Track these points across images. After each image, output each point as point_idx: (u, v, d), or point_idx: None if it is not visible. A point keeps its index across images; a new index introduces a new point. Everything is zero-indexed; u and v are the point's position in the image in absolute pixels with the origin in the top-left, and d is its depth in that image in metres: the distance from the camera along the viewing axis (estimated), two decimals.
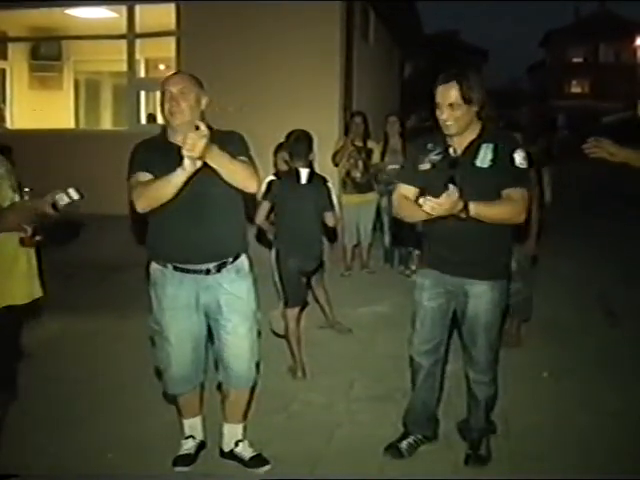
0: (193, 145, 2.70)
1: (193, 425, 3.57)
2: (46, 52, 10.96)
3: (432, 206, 2.90)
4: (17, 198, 2.99)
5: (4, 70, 10.34)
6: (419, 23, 14.93)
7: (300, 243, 4.63)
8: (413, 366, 3.62)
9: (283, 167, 5.10)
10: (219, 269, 3.23)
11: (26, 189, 2.92)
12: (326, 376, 4.64)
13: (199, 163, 2.80)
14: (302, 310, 4.89)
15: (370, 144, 7.48)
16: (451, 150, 3.27)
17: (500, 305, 3.38)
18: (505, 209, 3.13)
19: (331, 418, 4.06)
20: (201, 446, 3.57)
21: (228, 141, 3.09)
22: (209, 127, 2.80)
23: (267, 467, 3.47)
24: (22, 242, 2.94)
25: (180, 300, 3.23)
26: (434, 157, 3.30)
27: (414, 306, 3.53)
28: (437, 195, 2.95)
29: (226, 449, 3.55)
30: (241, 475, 3.46)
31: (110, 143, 8.74)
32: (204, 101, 3.20)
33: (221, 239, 3.21)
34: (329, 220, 4.85)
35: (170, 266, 3.22)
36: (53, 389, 4.36)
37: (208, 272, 3.22)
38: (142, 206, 3.02)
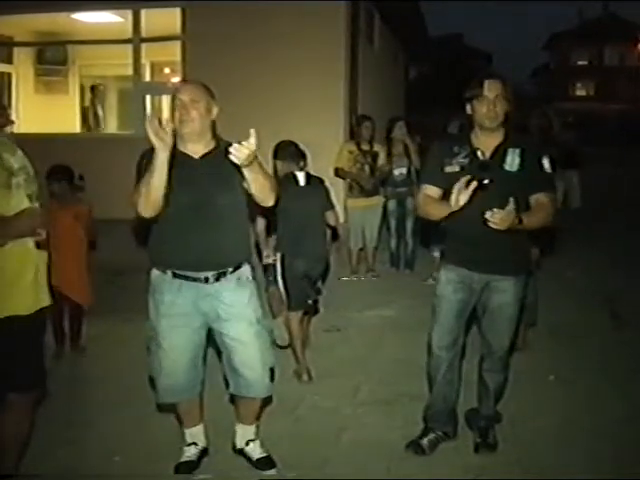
0: (239, 153, 2.78)
1: (194, 433, 3.54)
2: (52, 56, 11.00)
3: (500, 218, 3.04)
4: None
5: (10, 74, 10.38)
6: (424, 26, 14.94)
7: (305, 245, 4.62)
8: (432, 361, 3.66)
9: (284, 171, 5.01)
10: (218, 278, 3.20)
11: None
12: (332, 380, 4.63)
13: (169, 140, 2.82)
14: (306, 314, 4.88)
15: (376, 147, 7.48)
16: (479, 153, 3.35)
17: (521, 299, 3.55)
18: (542, 216, 3.32)
19: (337, 422, 4.05)
20: (204, 452, 3.55)
21: None
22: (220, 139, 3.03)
23: (273, 470, 3.47)
24: (38, 246, 2.93)
25: (178, 307, 3.19)
26: (462, 160, 3.38)
27: (436, 301, 3.59)
28: (471, 195, 3.11)
29: (238, 446, 3.57)
30: (246, 477, 3.46)
31: (115, 147, 8.77)
32: (215, 110, 3.20)
33: (222, 248, 3.18)
34: (330, 219, 4.88)
35: (169, 272, 3.19)
36: (58, 392, 4.36)
37: (207, 280, 3.19)
38: (140, 207, 3.01)
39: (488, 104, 3.29)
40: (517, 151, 3.33)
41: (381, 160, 7.39)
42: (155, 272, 3.26)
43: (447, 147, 3.47)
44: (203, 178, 3.11)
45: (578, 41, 49.09)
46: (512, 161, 3.31)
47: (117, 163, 8.53)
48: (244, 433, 3.55)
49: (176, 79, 9.71)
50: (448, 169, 3.38)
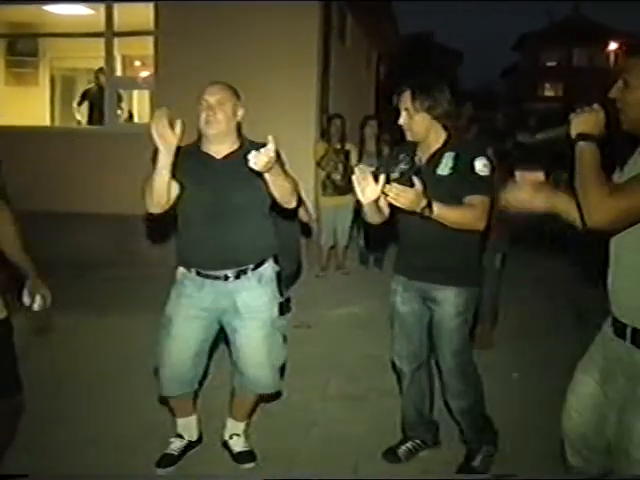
0: (258, 160, 2.80)
1: (186, 424, 3.60)
2: (22, 48, 10.84)
3: (397, 192, 2.88)
4: None
5: None
6: (395, 24, 15.01)
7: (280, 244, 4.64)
8: (396, 372, 3.67)
9: None
10: (238, 276, 3.27)
11: None
12: (302, 375, 4.69)
13: (174, 142, 2.86)
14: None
15: (347, 146, 7.55)
16: (417, 159, 3.34)
17: (465, 313, 3.32)
18: (464, 214, 3.12)
19: (307, 417, 4.13)
20: (190, 445, 3.61)
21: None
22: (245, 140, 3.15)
23: (251, 465, 3.54)
24: None
25: (198, 301, 3.28)
26: (403, 166, 3.37)
27: (390, 311, 3.57)
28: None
29: (224, 438, 3.65)
30: (222, 473, 3.52)
31: (86, 141, 8.71)
32: (240, 112, 3.26)
33: (241, 247, 3.24)
34: (303, 216, 4.91)
35: (193, 271, 3.29)
36: (32, 386, 4.37)
37: (227, 278, 3.26)
38: (147, 204, 3.08)
39: (400, 118, 3.28)
40: (452, 155, 3.24)
41: (352, 159, 7.47)
42: (181, 269, 3.36)
43: (395, 153, 3.50)
44: (223, 178, 3.17)
45: (547, 42, 49.55)
46: (445, 165, 3.23)
47: (87, 157, 8.49)
48: (232, 426, 3.64)
49: (146, 73, 9.66)
50: (392, 176, 3.32)
